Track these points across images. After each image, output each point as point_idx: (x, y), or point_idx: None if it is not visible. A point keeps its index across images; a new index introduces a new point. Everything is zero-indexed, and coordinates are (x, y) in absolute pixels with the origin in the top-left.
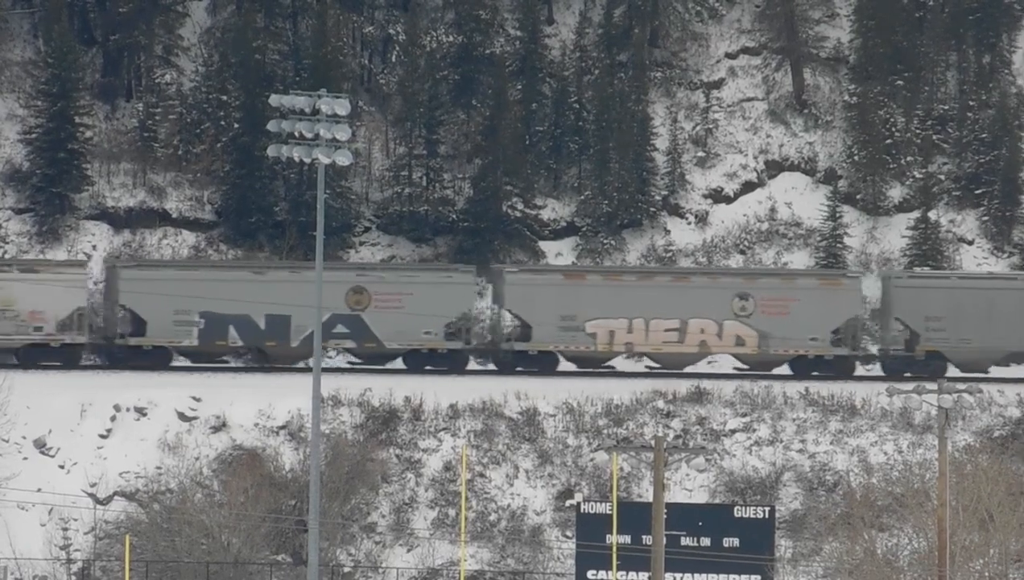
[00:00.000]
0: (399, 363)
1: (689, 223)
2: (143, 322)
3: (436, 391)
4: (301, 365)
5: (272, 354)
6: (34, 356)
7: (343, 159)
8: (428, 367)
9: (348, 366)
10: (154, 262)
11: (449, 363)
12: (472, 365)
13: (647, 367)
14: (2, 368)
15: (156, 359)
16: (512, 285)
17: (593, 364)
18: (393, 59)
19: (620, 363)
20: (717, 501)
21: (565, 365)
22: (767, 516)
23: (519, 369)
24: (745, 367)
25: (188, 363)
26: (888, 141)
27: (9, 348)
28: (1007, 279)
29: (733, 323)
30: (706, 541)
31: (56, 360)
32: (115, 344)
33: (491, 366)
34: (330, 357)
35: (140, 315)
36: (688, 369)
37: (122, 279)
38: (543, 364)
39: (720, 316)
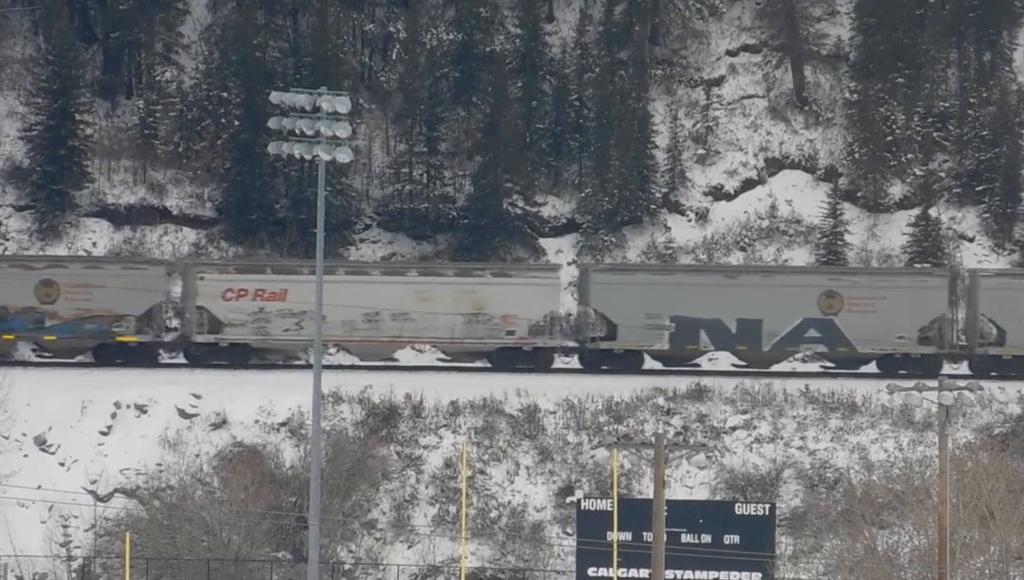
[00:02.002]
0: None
1: (689, 220)
2: (614, 326)
3: (436, 388)
4: (302, 362)
5: (744, 358)
6: (506, 359)
7: (343, 156)
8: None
9: (349, 363)
10: (627, 266)
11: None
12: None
13: (733, 366)
14: (481, 371)
15: (628, 363)
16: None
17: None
18: (393, 56)
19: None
20: (718, 498)
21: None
22: (768, 513)
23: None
24: (831, 366)
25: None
26: (888, 138)
27: (481, 351)
28: None
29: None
30: (707, 538)
31: (528, 363)
32: (587, 348)
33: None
34: (803, 360)
35: (611, 319)
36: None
37: (594, 283)
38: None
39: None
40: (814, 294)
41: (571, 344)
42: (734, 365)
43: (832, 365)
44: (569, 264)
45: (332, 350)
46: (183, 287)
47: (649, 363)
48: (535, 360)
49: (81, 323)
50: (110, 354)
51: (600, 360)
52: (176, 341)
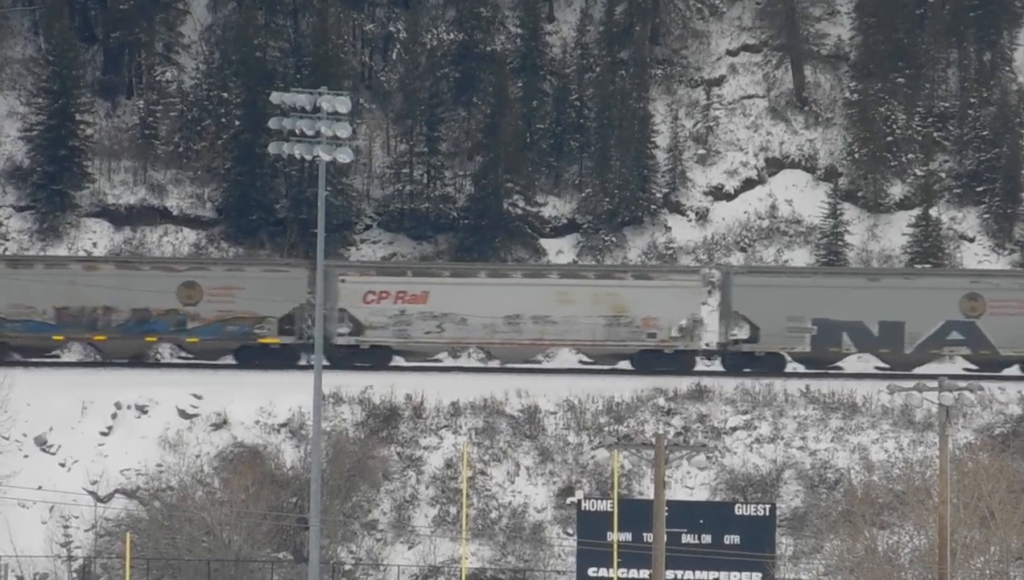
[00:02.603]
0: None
1: (690, 220)
2: (756, 328)
3: (437, 388)
4: (303, 362)
5: (886, 361)
6: (648, 362)
7: (344, 156)
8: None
9: (349, 364)
10: (769, 269)
11: None
12: None
13: (876, 368)
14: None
15: (770, 365)
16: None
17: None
18: (394, 56)
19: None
20: (718, 498)
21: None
22: (768, 514)
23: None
24: (974, 367)
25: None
26: (889, 138)
27: (623, 354)
28: None
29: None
30: (707, 538)
31: (670, 366)
32: (729, 350)
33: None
34: (951, 362)
35: (753, 321)
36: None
37: (736, 285)
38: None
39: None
40: (956, 296)
41: (713, 347)
42: (877, 368)
43: (975, 367)
44: (707, 267)
45: (473, 352)
46: (324, 290)
47: (791, 366)
48: (677, 363)
49: (223, 325)
50: (251, 356)
51: (742, 363)
52: (312, 343)
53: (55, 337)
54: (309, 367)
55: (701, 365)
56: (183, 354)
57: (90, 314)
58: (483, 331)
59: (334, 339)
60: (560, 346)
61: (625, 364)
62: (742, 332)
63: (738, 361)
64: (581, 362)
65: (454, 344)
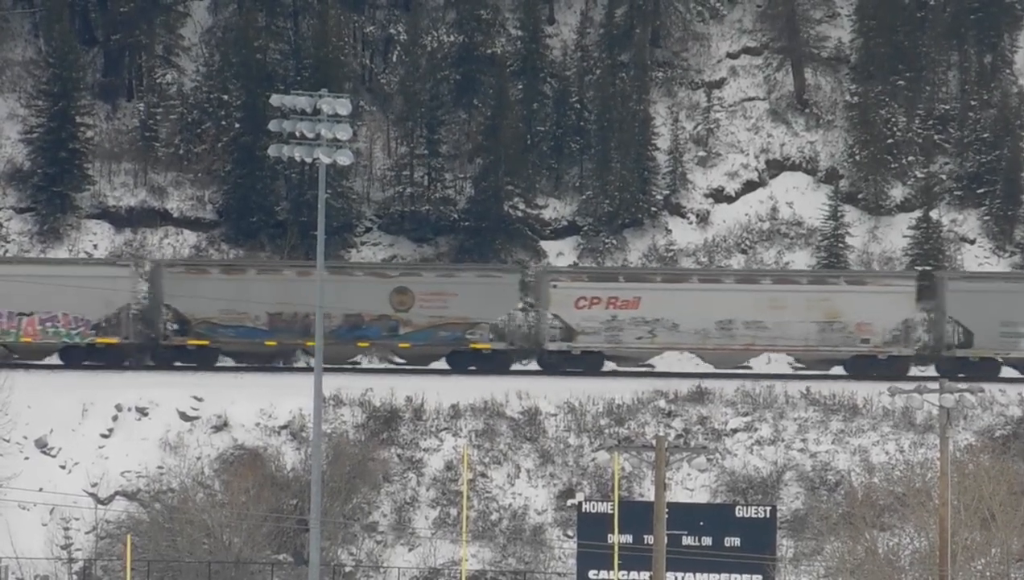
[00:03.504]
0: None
1: (690, 223)
2: (970, 334)
3: (438, 391)
4: (302, 364)
5: None
6: (862, 367)
7: (344, 159)
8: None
9: (348, 366)
10: (983, 274)
11: None
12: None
13: None
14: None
15: (983, 371)
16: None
17: None
18: (394, 59)
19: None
20: (718, 501)
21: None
22: (768, 516)
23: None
24: None
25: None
26: (889, 141)
27: (836, 359)
28: None
29: None
30: (707, 541)
31: (884, 371)
32: (942, 356)
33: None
34: None
35: (967, 326)
36: (688, 370)
37: (950, 290)
38: (983, 371)
39: None
40: None
41: (926, 352)
42: None
43: None
44: (920, 271)
45: (685, 355)
46: (535, 295)
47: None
48: (890, 368)
49: (435, 331)
50: (463, 361)
51: (955, 368)
52: (529, 349)
53: (268, 342)
54: (308, 369)
55: (915, 370)
56: (525, 362)
57: (302, 320)
58: (695, 337)
59: (545, 345)
60: (772, 351)
61: (839, 369)
62: (955, 337)
63: (951, 366)
64: (793, 367)
65: (666, 349)
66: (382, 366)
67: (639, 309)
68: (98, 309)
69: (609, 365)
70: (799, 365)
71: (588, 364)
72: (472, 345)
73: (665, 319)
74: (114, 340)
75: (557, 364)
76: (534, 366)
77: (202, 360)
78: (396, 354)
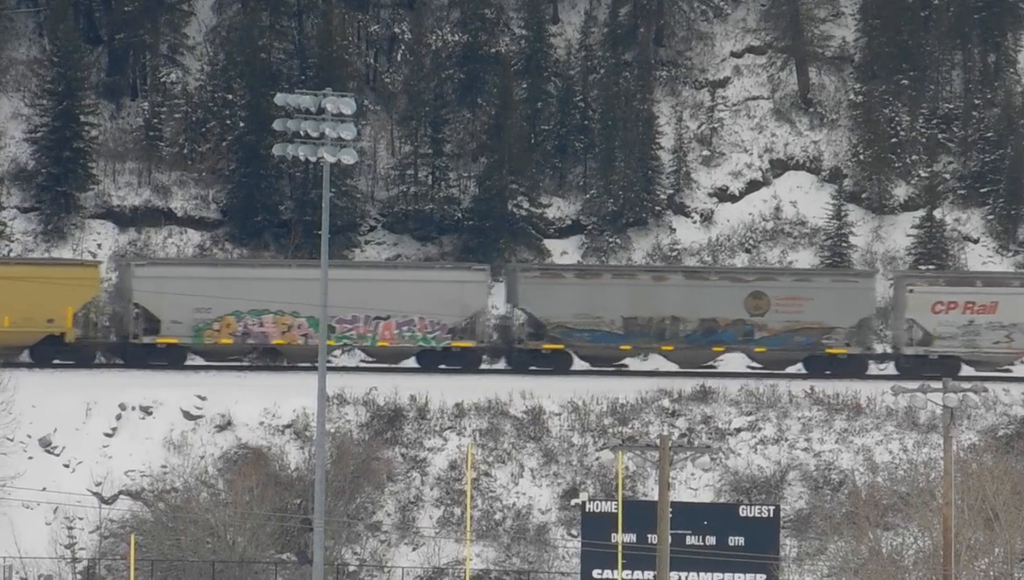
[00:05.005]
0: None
1: (694, 222)
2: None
3: (442, 390)
4: (306, 364)
5: None
6: None
7: (348, 158)
8: None
9: (354, 365)
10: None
11: None
12: None
13: None
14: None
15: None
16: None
17: None
18: (398, 58)
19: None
20: (722, 500)
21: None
22: (772, 515)
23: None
24: None
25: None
26: (893, 140)
27: None
28: None
29: None
30: (711, 540)
31: None
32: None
33: None
34: None
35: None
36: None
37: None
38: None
39: None
40: None
41: None
42: None
43: None
44: None
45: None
46: (892, 300)
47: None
48: None
49: (790, 335)
50: (819, 366)
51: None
52: (886, 354)
53: (622, 347)
54: (312, 368)
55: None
56: (883, 366)
57: (658, 324)
58: None
59: (902, 350)
60: None
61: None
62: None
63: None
64: None
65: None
66: (386, 365)
67: (996, 314)
68: (453, 313)
69: (967, 370)
70: None
71: (946, 369)
72: (828, 350)
73: (1022, 324)
74: (469, 343)
75: (913, 369)
76: (891, 369)
77: (557, 363)
78: (752, 358)
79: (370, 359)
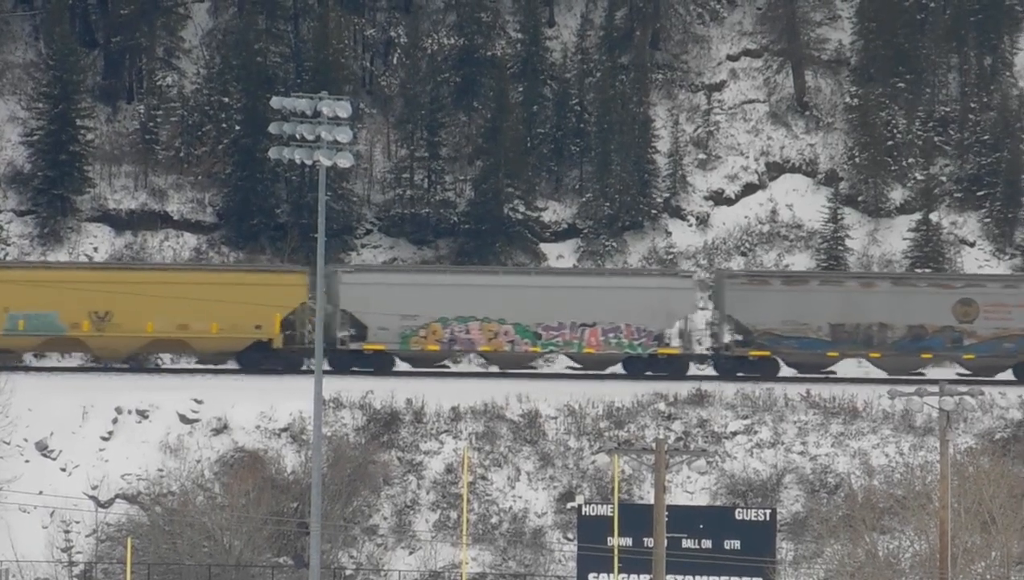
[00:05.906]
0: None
1: (690, 225)
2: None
3: (438, 393)
4: (304, 367)
5: None
6: None
7: (344, 161)
8: None
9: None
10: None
11: None
12: None
13: None
14: None
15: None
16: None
17: None
18: (394, 61)
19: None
20: (718, 503)
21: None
22: (768, 518)
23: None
24: None
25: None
26: (889, 143)
27: None
28: None
29: None
30: (707, 543)
31: None
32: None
33: None
34: None
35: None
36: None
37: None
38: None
39: None
40: None
41: None
42: None
43: None
44: None
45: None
46: None
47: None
48: None
49: (999, 342)
50: None
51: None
52: None
53: (829, 354)
54: (308, 372)
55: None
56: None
57: (865, 330)
58: None
59: None
60: None
61: None
62: None
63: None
64: None
65: None
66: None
67: None
68: (659, 320)
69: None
70: None
71: None
72: None
73: None
74: (676, 350)
75: None
76: None
77: (764, 370)
78: (961, 365)
79: (576, 366)
